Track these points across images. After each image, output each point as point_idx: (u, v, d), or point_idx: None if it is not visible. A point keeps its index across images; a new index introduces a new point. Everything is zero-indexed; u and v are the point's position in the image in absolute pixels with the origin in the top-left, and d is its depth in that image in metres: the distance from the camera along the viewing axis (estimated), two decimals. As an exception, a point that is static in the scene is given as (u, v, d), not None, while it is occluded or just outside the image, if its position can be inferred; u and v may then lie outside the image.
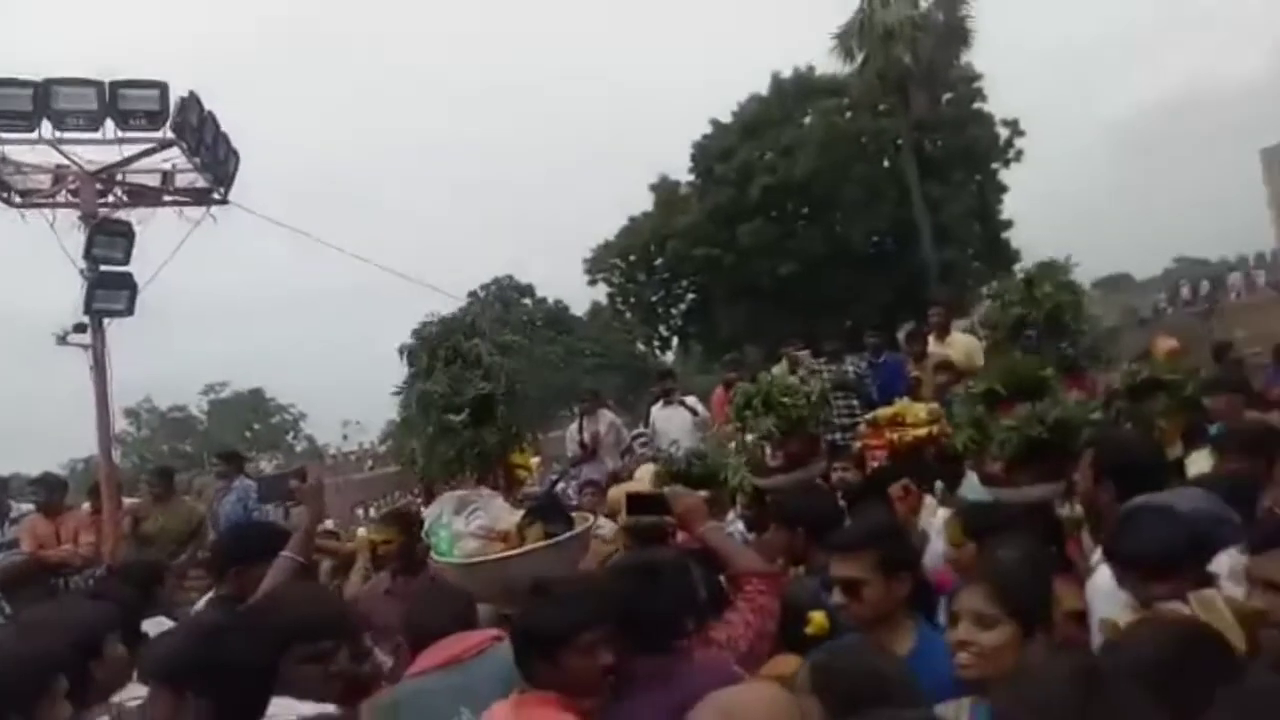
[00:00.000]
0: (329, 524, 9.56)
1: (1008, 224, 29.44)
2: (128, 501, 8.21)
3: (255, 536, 3.73)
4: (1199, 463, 3.87)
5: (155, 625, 3.33)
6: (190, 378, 59.36)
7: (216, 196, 8.41)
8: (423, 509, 4.12)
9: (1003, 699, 1.56)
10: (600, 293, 35.22)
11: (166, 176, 8.40)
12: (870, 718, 1.63)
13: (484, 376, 3.98)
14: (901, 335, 8.98)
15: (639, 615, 2.42)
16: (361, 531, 5.84)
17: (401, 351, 4.55)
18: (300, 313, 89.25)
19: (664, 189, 31.46)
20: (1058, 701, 1.41)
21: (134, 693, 2.44)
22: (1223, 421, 4.38)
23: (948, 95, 27.84)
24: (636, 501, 3.56)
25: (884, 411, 5.41)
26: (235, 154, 8.47)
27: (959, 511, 3.51)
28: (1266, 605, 1.98)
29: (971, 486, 4.00)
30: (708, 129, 30.08)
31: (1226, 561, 2.45)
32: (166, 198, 8.45)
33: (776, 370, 6.31)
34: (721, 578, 2.96)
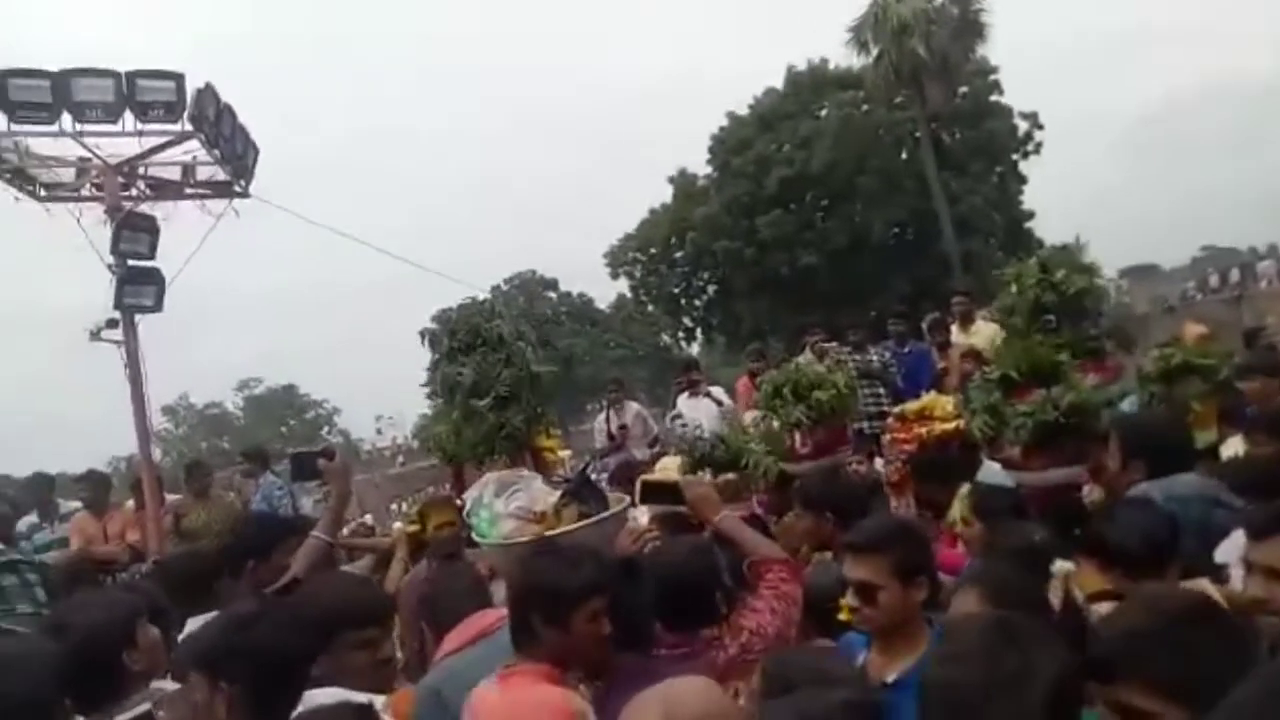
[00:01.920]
0: (367, 519, 9.64)
1: (1030, 215, 29.32)
2: (170, 498, 8.29)
3: (268, 528, 3.75)
4: (1234, 446, 3.86)
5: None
6: (225, 374, 59.96)
7: (238, 189, 8.30)
8: (458, 498, 4.18)
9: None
10: (623, 286, 35.34)
11: (187, 169, 8.26)
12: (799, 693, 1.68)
13: (506, 360, 4.01)
14: (925, 324, 8.95)
15: (621, 612, 2.37)
16: (398, 525, 5.89)
17: (423, 335, 4.56)
18: (329, 307, 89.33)
19: (683, 182, 31.49)
20: (969, 651, 1.53)
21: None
22: (1257, 405, 4.37)
23: (964, 88, 27.71)
24: (649, 490, 3.50)
25: (911, 405, 5.38)
26: (254, 146, 8.34)
27: (970, 491, 3.51)
28: (1266, 593, 1.97)
29: (991, 472, 3.99)
30: (725, 122, 30.06)
31: (1233, 549, 2.43)
32: (188, 191, 8.33)
33: (802, 360, 6.32)
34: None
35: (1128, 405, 4.50)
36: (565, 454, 6.79)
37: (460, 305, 4.78)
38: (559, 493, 3.23)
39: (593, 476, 6.54)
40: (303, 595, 2.87)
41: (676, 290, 32.26)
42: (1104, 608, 2.40)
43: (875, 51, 24.92)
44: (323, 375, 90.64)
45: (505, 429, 4.00)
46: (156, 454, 9.32)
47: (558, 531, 2.99)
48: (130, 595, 2.83)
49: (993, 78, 28.31)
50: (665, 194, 32.27)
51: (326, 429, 54.39)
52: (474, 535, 3.29)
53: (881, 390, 7.22)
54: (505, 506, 3.14)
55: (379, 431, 41.29)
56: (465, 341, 4.24)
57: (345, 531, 4.54)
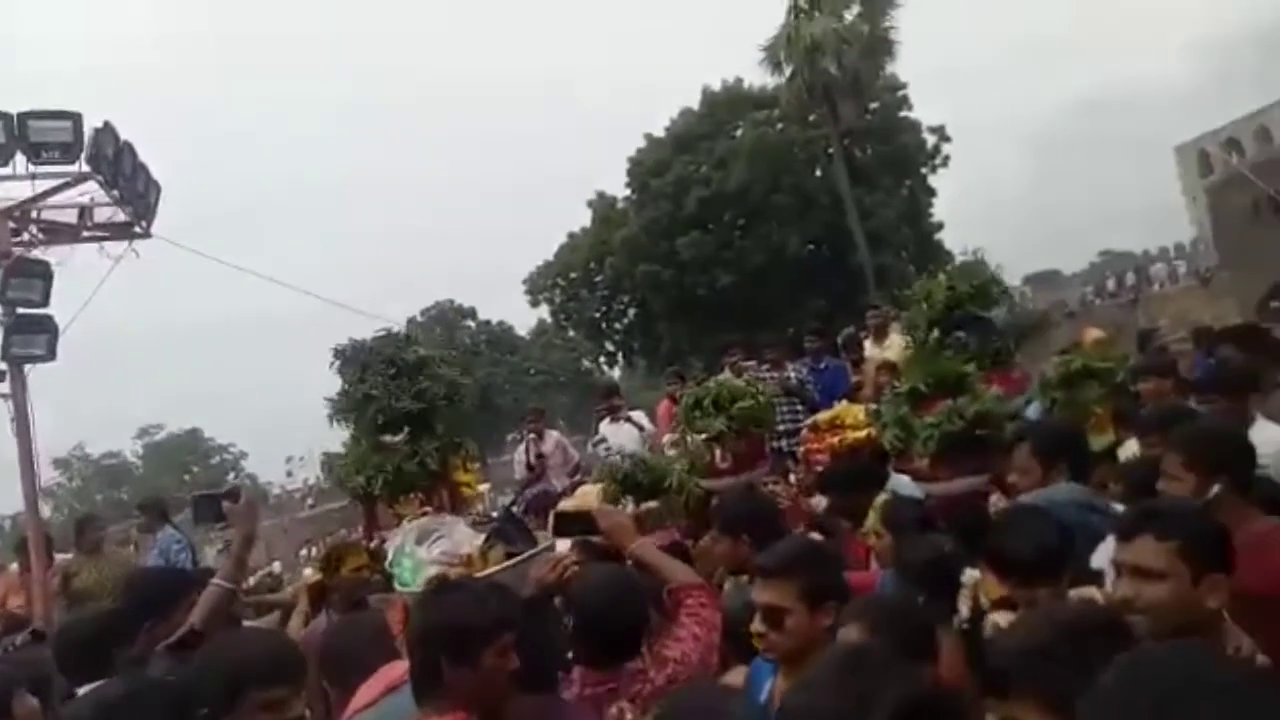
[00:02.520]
0: (275, 567, 9.27)
1: (939, 227, 30.22)
2: (60, 558, 7.83)
3: (164, 584, 3.50)
4: (1131, 448, 3.96)
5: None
6: (123, 422, 57.73)
7: (138, 230, 8.01)
8: (365, 540, 4.03)
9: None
10: (544, 312, 35.22)
11: (84, 211, 7.98)
12: None
13: (420, 392, 3.88)
14: (840, 341, 9.09)
15: (526, 650, 2.28)
16: (308, 572, 5.66)
17: (337, 354, 4.37)
18: (234, 347, 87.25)
19: (601, 205, 31.60)
20: (818, 680, 1.57)
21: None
22: (1152, 406, 4.50)
23: (874, 104, 28.48)
24: (562, 520, 3.45)
25: (824, 415, 5.47)
26: (156, 185, 8.08)
27: (882, 505, 3.56)
28: (1133, 592, 2.00)
29: (899, 484, 4.04)
30: (642, 144, 30.31)
31: (1106, 555, 2.44)
32: (85, 234, 8.02)
33: (722, 378, 6.34)
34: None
35: (1032, 412, 4.62)
36: (484, 487, 6.66)
37: (374, 336, 4.64)
38: (483, 535, 3.18)
39: (516, 510, 6.46)
40: (204, 652, 2.72)
41: (597, 315, 32.32)
42: (1003, 617, 2.44)
43: (788, 71, 25.42)
44: (229, 418, 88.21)
45: (418, 458, 3.85)
46: (46, 510, 8.85)
47: (486, 573, 2.92)
48: (3, 667, 2.65)
49: (901, 93, 29.20)
50: (584, 218, 32.39)
51: (233, 474, 52.81)
52: (397, 585, 3.19)
53: (800, 407, 7.27)
54: (428, 553, 3.07)
55: (289, 473, 40.21)
56: (377, 371, 4.08)
57: (251, 581, 4.31)
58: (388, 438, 3.82)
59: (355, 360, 4.12)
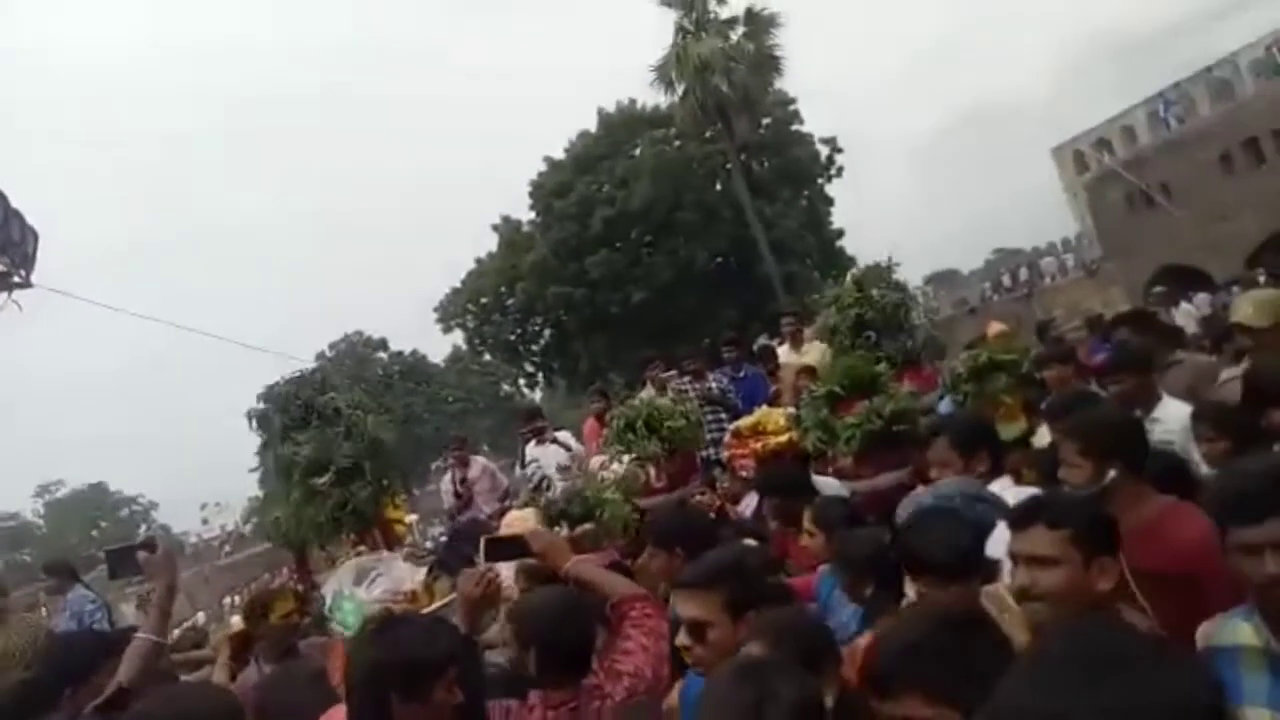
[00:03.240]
0: (199, 618, 8.87)
1: (840, 234, 31.07)
2: (-41, 634, 7.32)
3: (81, 648, 3.33)
4: (1045, 434, 4.14)
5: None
6: (20, 480, 54.74)
7: (18, 280, 7.64)
8: (297, 584, 3.91)
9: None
10: (457, 338, 34.82)
11: None
12: None
13: (346, 434, 3.81)
14: (755, 350, 9.24)
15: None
16: (235, 619, 5.44)
17: (250, 417, 4.27)
18: (134, 395, 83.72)
19: (507, 229, 31.47)
20: (713, 689, 1.69)
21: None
22: (1055, 392, 4.71)
23: (767, 119, 29.17)
24: (494, 546, 3.40)
25: (745, 422, 5.52)
26: (34, 232, 7.67)
27: (813, 505, 3.63)
28: (1029, 580, 2.08)
29: (823, 484, 4.13)
30: (542, 167, 30.34)
31: (999, 544, 2.52)
32: None
33: (645, 394, 6.38)
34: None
35: (945, 406, 4.79)
36: (412, 518, 6.54)
37: (288, 380, 4.50)
38: (424, 570, 3.10)
39: (452, 541, 6.35)
40: (138, 713, 2.60)
41: (512, 338, 32.11)
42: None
43: (681, 89, 25.76)
44: (135, 468, 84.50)
45: (350, 505, 3.75)
46: (-55, 579, 8.29)
47: (434, 607, 2.86)
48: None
49: (792, 108, 30.00)
50: (490, 242, 32.20)
51: (144, 525, 50.56)
52: (339, 629, 3.09)
53: (724, 415, 7.37)
54: (369, 593, 2.98)
55: (205, 521, 38.65)
56: (298, 418, 3.97)
57: (175, 633, 4.11)
58: (314, 480, 3.72)
59: (271, 415, 4.01)
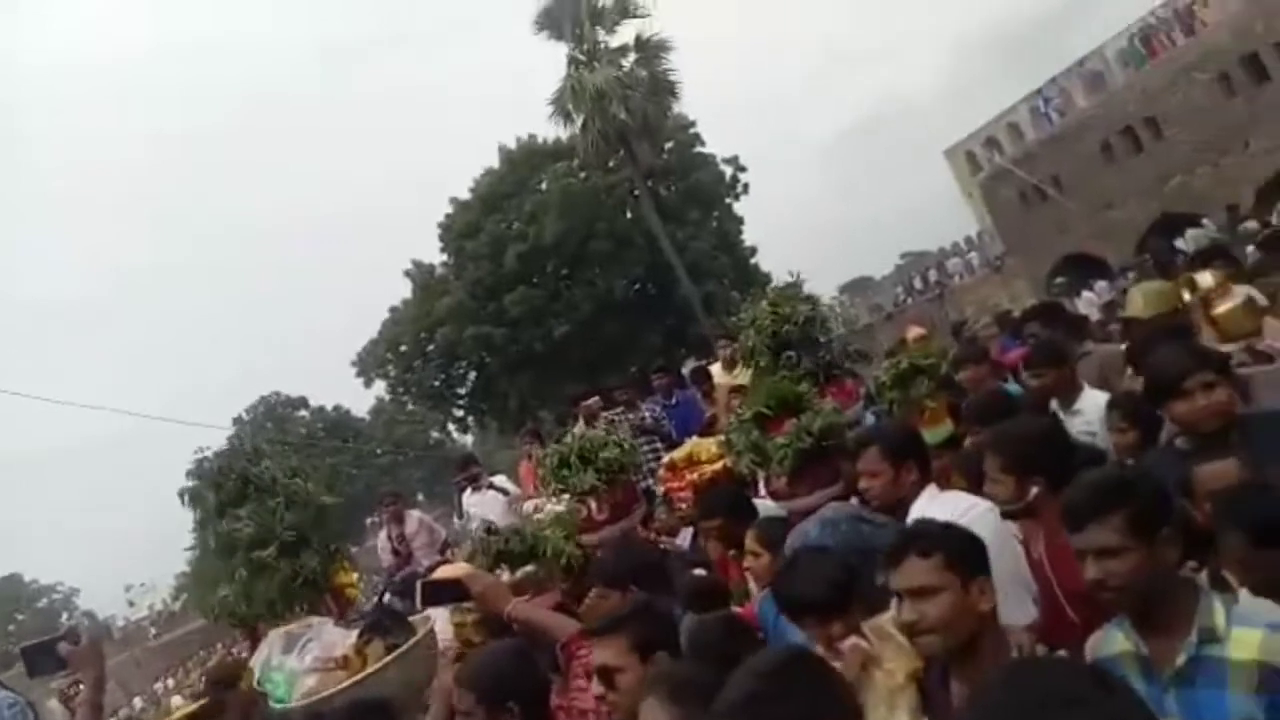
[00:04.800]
0: (136, 704, 8.40)
1: (753, 251, 31.56)
2: None
3: None
4: (977, 436, 4.23)
5: None
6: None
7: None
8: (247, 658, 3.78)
9: None
10: (380, 390, 34.15)
11: None
12: None
13: (286, 504, 3.71)
14: (688, 374, 9.30)
15: None
16: (177, 700, 5.21)
17: (183, 496, 4.14)
18: (43, 479, 79.92)
19: (420, 274, 31.13)
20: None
21: None
22: (972, 392, 4.82)
23: (669, 144, 29.52)
24: (431, 590, 3.35)
25: (677, 454, 5.44)
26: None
27: (755, 525, 3.66)
28: (915, 614, 2.09)
29: (761, 505, 4.15)
30: (449, 209, 30.18)
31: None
32: None
33: (577, 430, 6.35)
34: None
35: (869, 419, 4.88)
36: (354, 576, 6.37)
37: (218, 453, 4.38)
38: (356, 631, 3.03)
39: (389, 599, 6.21)
40: None
41: (437, 383, 31.64)
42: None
43: (579, 120, 25.89)
44: (50, 556, 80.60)
45: (300, 576, 3.65)
46: None
47: (368, 671, 2.80)
48: None
49: (693, 131, 30.39)
50: (403, 289, 31.78)
51: (66, 614, 48.13)
52: (271, 703, 2.98)
53: (659, 444, 7.40)
54: (300, 662, 2.89)
55: (131, 604, 37.19)
56: (235, 493, 3.85)
57: None
58: (260, 553, 3.62)
59: (205, 489, 3.90)
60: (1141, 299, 4.76)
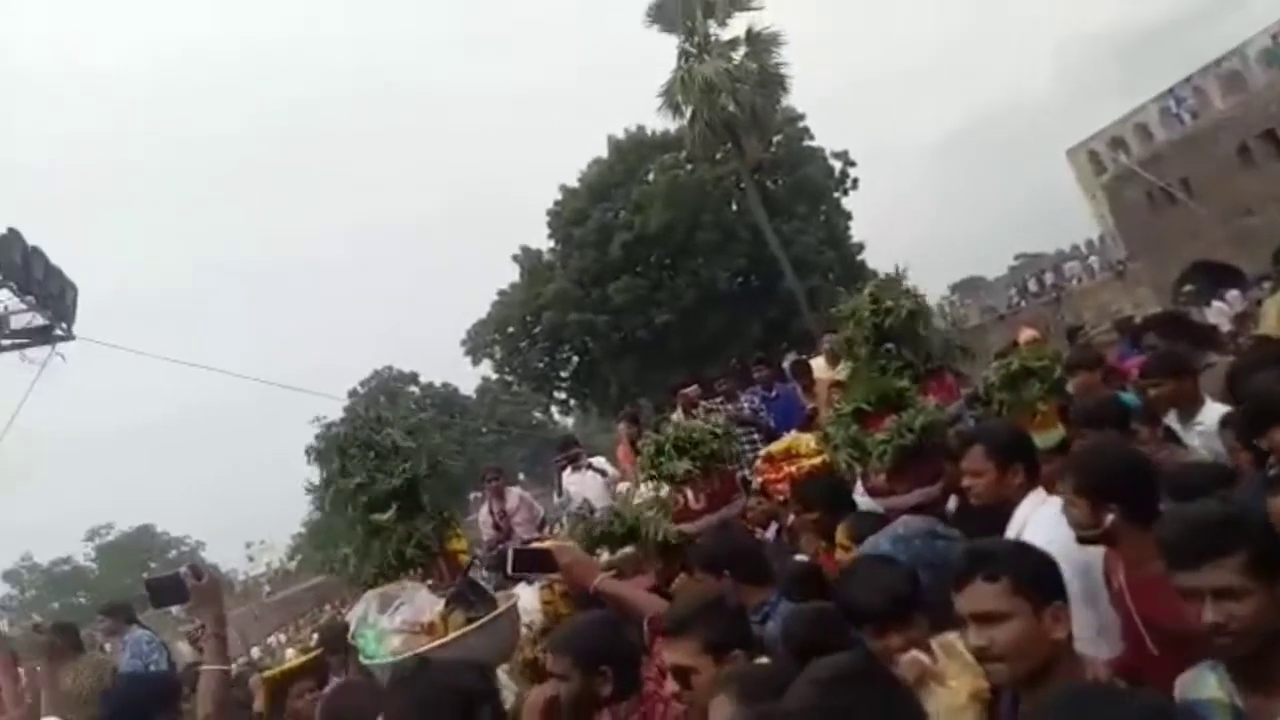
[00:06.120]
0: (254, 654, 8.93)
1: (860, 247, 31.07)
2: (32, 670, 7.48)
3: (142, 692, 3.40)
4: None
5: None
6: (71, 526, 55.69)
7: (59, 333, 7.93)
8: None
9: None
10: (486, 369, 34.99)
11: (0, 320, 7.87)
12: None
13: (404, 469, 3.87)
14: (787, 367, 9.25)
15: None
16: (290, 653, 5.51)
17: (309, 453, 4.33)
18: (177, 438, 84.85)
19: (528, 259, 31.72)
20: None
21: None
22: (1081, 399, 4.65)
23: (778, 137, 29.29)
24: (520, 558, 3.36)
25: (776, 446, 5.42)
26: (72, 286, 7.93)
27: (846, 519, 3.64)
28: (984, 640, 1.99)
29: (860, 502, 4.12)
30: (558, 196, 30.63)
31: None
32: (4, 341, 7.96)
33: (675, 416, 6.42)
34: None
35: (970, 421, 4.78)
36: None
37: (342, 419, 4.59)
38: (443, 600, 3.11)
39: (483, 574, 6.39)
40: None
41: (541, 365, 32.21)
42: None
43: (688, 112, 25.85)
44: (181, 510, 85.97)
45: (415, 538, 3.81)
46: (2, 625, 8.51)
47: (443, 641, 2.87)
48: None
49: (801, 124, 30.12)
50: (511, 273, 32.45)
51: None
52: (361, 657, 3.13)
53: (757, 436, 7.39)
54: (391, 622, 2.99)
55: (250, 559, 39.11)
56: (358, 456, 4.03)
57: (233, 668, 4.19)
58: (376, 516, 3.78)
59: (330, 451, 4.08)
60: (1276, 314, 4.51)
